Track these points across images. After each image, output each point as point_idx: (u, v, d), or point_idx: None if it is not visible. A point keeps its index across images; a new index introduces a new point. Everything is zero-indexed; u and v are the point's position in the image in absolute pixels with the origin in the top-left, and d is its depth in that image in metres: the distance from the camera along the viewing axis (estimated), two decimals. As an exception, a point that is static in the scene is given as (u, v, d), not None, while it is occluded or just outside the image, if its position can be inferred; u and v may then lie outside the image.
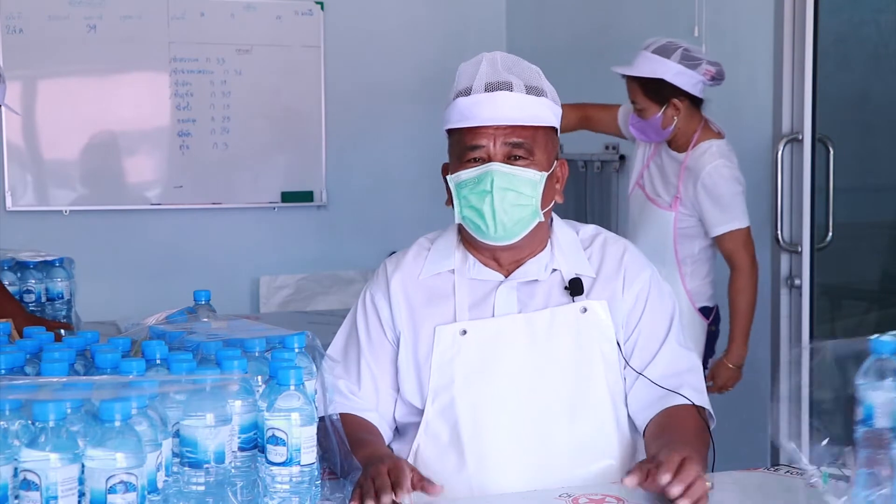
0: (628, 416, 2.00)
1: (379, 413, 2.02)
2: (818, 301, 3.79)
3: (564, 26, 5.15)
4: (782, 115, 3.77)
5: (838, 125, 3.94)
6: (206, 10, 5.12)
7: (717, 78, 3.42)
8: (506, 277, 2.00)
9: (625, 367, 1.99)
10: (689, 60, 3.35)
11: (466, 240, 2.03)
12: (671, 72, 3.33)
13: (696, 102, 3.43)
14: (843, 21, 4.10)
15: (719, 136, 3.47)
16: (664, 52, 3.36)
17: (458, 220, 1.97)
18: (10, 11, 4.80)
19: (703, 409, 1.97)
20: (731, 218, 3.39)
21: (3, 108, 3.13)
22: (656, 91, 3.37)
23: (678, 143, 3.48)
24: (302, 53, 5.29)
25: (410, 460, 1.98)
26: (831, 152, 3.79)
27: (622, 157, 4.78)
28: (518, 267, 2.01)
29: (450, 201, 1.99)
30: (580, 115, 3.74)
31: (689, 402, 1.94)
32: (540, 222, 1.96)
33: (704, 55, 3.45)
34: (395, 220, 5.38)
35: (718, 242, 3.45)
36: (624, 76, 3.45)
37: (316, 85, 5.32)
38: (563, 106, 2.02)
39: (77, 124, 4.90)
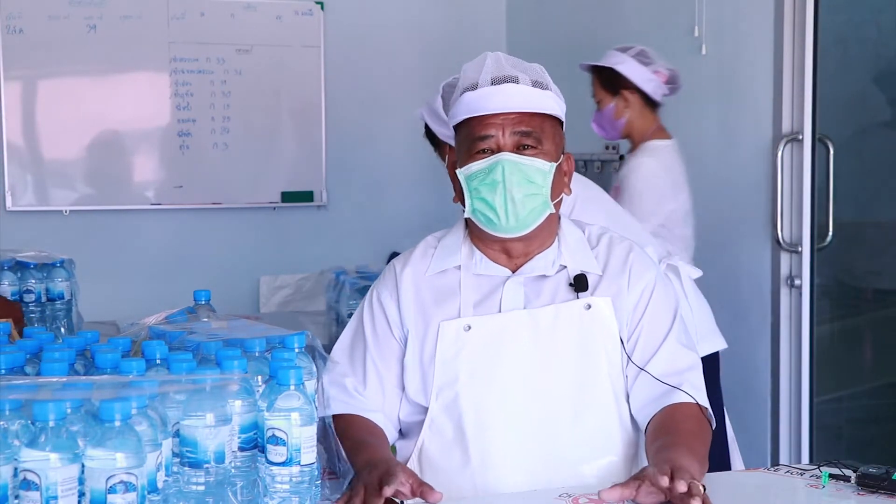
0: (630, 413, 2.00)
1: (384, 413, 2.01)
2: (818, 301, 3.79)
3: (564, 26, 5.15)
4: (782, 115, 3.78)
5: (838, 125, 3.94)
6: (206, 10, 5.12)
7: (671, 83, 3.61)
8: (513, 273, 2.00)
9: (627, 364, 1.98)
10: (643, 58, 3.59)
11: (475, 235, 2.02)
12: (622, 63, 3.57)
13: (650, 104, 3.61)
14: (843, 21, 4.10)
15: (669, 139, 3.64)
16: (622, 49, 3.62)
17: (468, 215, 1.97)
18: (10, 11, 4.80)
19: (704, 408, 1.97)
20: (634, 211, 3.45)
21: (2, 106, 3.13)
22: (610, 82, 3.61)
23: (634, 145, 3.66)
24: (302, 53, 5.29)
25: (415, 457, 1.98)
26: (831, 152, 3.79)
27: (622, 157, 4.77)
28: (526, 262, 2.00)
29: (457, 198, 1.99)
30: None
31: (690, 400, 1.93)
32: (550, 215, 1.96)
33: (663, 61, 3.63)
34: (395, 220, 5.38)
35: None
36: (591, 74, 3.67)
37: (316, 85, 5.32)
38: None
39: (77, 124, 4.90)
